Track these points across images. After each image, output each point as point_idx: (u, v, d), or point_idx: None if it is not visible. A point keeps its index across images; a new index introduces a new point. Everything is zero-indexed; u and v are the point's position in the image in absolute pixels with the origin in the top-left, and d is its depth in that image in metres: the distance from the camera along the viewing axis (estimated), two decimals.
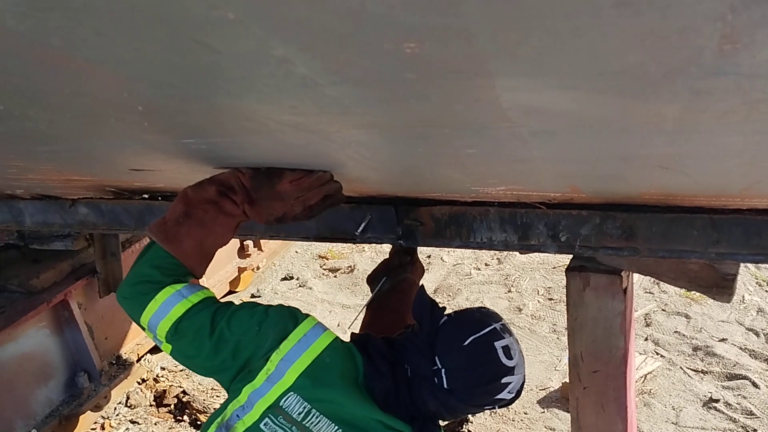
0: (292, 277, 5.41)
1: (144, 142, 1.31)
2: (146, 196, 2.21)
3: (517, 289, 4.80)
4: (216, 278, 4.74)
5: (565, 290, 1.77)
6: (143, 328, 1.42)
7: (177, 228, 1.39)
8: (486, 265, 5.30)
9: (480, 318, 1.53)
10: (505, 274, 5.07)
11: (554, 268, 4.94)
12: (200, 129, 1.14)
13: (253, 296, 5.17)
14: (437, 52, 0.66)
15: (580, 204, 1.61)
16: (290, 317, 1.46)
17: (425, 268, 5.30)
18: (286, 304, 1.52)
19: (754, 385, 3.36)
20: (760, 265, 4.55)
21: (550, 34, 0.61)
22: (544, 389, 3.63)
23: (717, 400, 3.28)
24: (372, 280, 2.11)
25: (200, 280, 1.51)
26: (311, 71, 0.72)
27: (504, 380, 1.45)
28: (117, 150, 1.44)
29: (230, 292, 5.01)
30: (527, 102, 0.83)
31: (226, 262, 4.89)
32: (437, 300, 4.87)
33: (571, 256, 1.80)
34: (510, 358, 1.46)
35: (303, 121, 0.98)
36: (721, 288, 1.59)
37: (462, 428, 3.35)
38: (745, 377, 3.41)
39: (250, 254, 5.08)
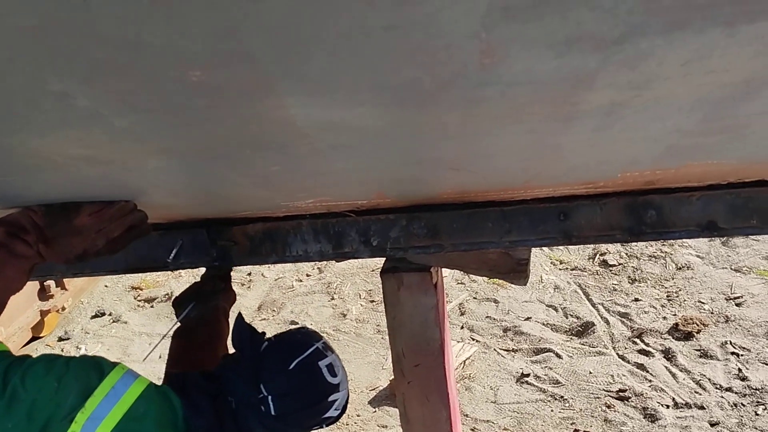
0: (103, 314, 5.08)
1: None
2: None
3: (339, 296, 4.89)
4: (15, 326, 4.33)
5: None
6: None
7: None
8: (307, 275, 5.34)
9: (301, 339, 1.51)
10: (327, 282, 5.15)
11: (372, 271, 5.10)
12: None
13: (61, 339, 4.79)
14: (223, 78, 0.68)
15: (387, 209, 1.69)
16: (94, 369, 1.30)
17: (248, 285, 5.23)
18: (91, 355, 1.37)
19: (557, 356, 3.71)
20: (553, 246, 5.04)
21: (330, 55, 0.64)
22: (374, 389, 3.74)
23: (528, 375, 3.58)
24: (178, 303, 1.92)
25: None
26: (94, 103, 0.70)
27: (330, 398, 1.46)
28: None
29: (34, 338, 4.60)
30: (321, 118, 0.87)
31: (26, 306, 4.48)
32: (262, 317, 4.83)
33: (384, 259, 1.88)
34: (334, 375, 1.47)
35: (94, 154, 0.94)
36: (517, 272, 1.75)
37: None
38: (549, 350, 3.76)
39: (52, 295, 4.69)
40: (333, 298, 4.87)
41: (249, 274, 5.34)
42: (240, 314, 1.58)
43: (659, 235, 1.64)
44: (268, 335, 1.56)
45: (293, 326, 1.60)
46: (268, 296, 5.06)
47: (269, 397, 1.42)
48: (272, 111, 0.80)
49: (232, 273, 2.09)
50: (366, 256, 1.75)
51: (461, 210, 1.65)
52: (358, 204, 1.63)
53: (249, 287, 5.23)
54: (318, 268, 5.38)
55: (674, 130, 1.06)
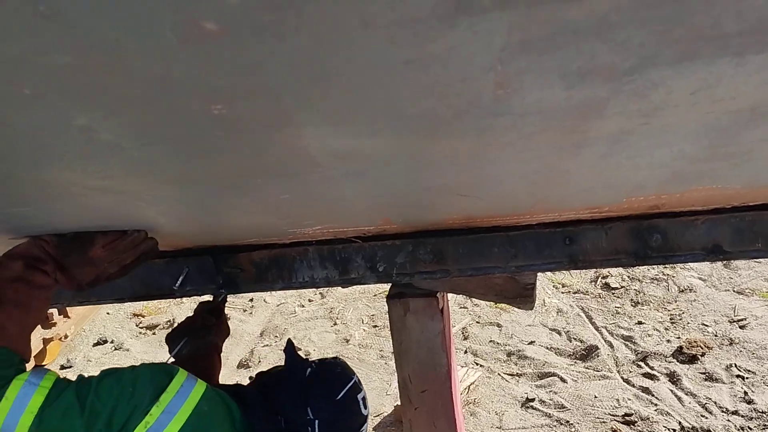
0: (105, 341, 5.06)
1: None
2: None
3: (342, 321, 4.88)
4: None
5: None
6: None
7: None
8: (309, 301, 5.33)
9: (342, 372, 1.62)
10: (329, 307, 5.13)
11: (375, 296, 5.09)
12: None
13: (62, 367, 4.76)
14: (244, 110, 0.69)
15: (393, 234, 1.70)
16: (164, 371, 1.39)
17: (250, 311, 5.22)
18: (155, 362, 1.45)
19: (562, 380, 3.69)
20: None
21: (348, 88, 0.66)
22: (378, 415, 3.71)
23: (533, 399, 3.55)
24: (171, 339, 1.97)
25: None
26: (116, 136, 0.71)
27: (362, 429, 1.57)
28: None
29: (36, 367, 4.58)
30: (335, 147, 0.88)
31: None
32: (265, 342, 4.82)
33: (389, 285, 1.88)
34: (366, 408, 1.58)
35: (110, 184, 0.96)
36: (524, 297, 1.75)
37: None
38: (553, 374, 3.74)
39: (55, 323, 4.68)
40: (335, 324, 4.86)
41: (251, 300, 5.33)
42: (290, 339, 1.68)
43: (665, 259, 1.65)
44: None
45: (329, 357, 1.69)
46: (271, 322, 5.04)
47: (316, 421, 1.51)
48: (288, 141, 0.81)
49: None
50: (372, 281, 1.75)
51: (467, 235, 1.66)
52: (364, 230, 1.65)
53: (251, 313, 5.21)
54: (320, 293, 5.37)
55: (680, 156, 1.07)
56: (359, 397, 1.57)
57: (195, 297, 2.03)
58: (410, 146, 0.91)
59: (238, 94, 0.62)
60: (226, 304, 2.07)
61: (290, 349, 1.62)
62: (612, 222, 1.63)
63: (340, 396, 1.54)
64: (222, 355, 2.09)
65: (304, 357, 1.64)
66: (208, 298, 2.00)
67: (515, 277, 1.76)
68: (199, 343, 1.94)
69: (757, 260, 4.90)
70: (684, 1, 0.54)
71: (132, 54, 0.50)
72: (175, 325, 2.05)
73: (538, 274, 1.85)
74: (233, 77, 0.58)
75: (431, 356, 1.81)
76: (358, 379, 1.61)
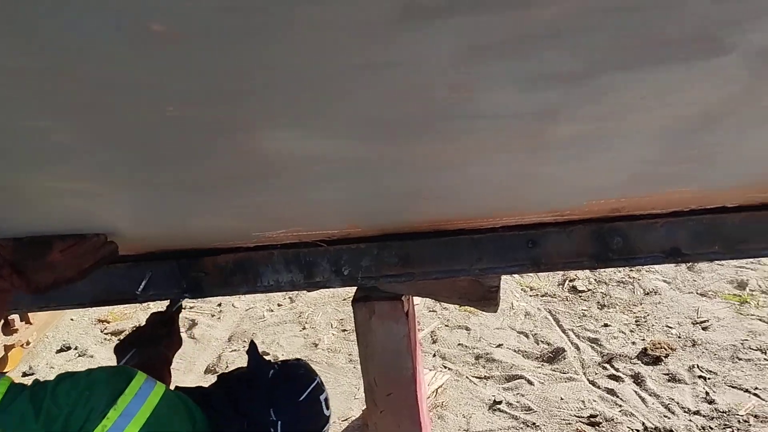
0: (69, 348, 4.96)
1: None
2: None
3: (311, 325, 4.85)
4: None
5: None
6: None
7: None
8: (279, 305, 5.30)
9: (305, 373, 1.66)
10: (299, 312, 5.11)
11: (344, 300, 5.07)
12: None
13: (25, 374, 4.67)
14: (198, 114, 0.69)
15: (358, 238, 1.70)
16: (121, 374, 1.37)
17: (218, 316, 5.18)
18: (111, 365, 1.43)
19: (529, 382, 3.71)
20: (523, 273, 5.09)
21: (307, 93, 0.66)
22: (346, 419, 3.70)
23: (500, 402, 3.57)
24: (119, 350, 1.91)
25: None
26: (70, 139, 0.70)
27: (324, 430, 1.61)
28: None
29: None
30: (297, 152, 0.88)
31: None
32: (233, 348, 4.78)
33: (355, 288, 1.88)
34: (328, 408, 1.63)
35: (67, 187, 0.94)
36: (488, 300, 1.77)
37: None
38: (521, 377, 3.76)
39: (16, 329, 4.57)
40: (305, 328, 4.84)
41: (219, 305, 5.28)
42: (252, 341, 1.70)
43: (625, 261, 1.68)
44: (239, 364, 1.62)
45: (292, 358, 1.71)
46: (239, 327, 5.00)
47: (279, 422, 1.54)
48: (247, 145, 0.81)
49: (179, 316, 2.05)
50: (337, 285, 1.75)
51: (432, 238, 1.67)
52: (329, 234, 1.64)
53: (219, 318, 5.16)
54: (289, 297, 5.34)
55: (638, 160, 1.09)
56: (321, 397, 1.60)
57: (162, 302, 2.00)
58: (373, 150, 0.91)
59: (192, 97, 0.62)
60: (180, 314, 2.03)
61: (253, 350, 1.63)
62: (574, 225, 1.65)
63: (302, 397, 1.56)
64: (189, 360, 2.07)
65: (267, 359, 1.65)
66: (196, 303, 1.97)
67: (479, 280, 1.78)
68: (148, 353, 1.88)
69: (720, 263, 4.99)
70: (629, 9, 0.55)
71: (82, 58, 0.50)
72: (124, 334, 2.01)
73: (505, 276, 1.87)
74: (193, 80, 0.58)
75: (396, 359, 1.82)
76: (321, 381, 1.64)
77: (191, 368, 4.27)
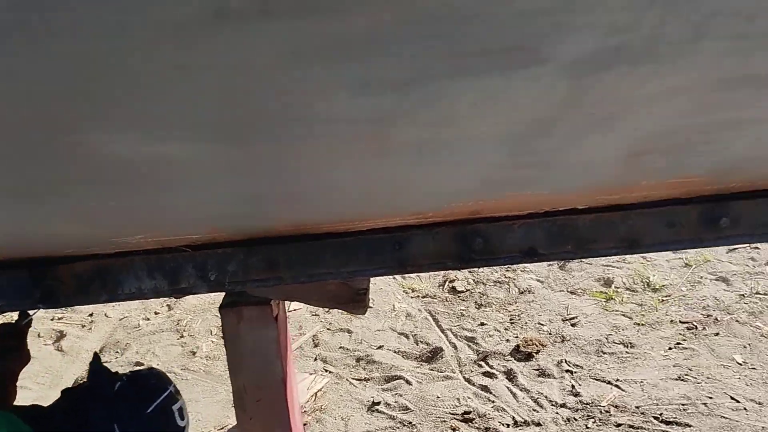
0: None
1: None
2: None
3: (189, 333, 4.72)
4: None
5: None
6: None
7: None
8: (156, 314, 5.12)
9: (156, 384, 1.58)
10: (176, 319, 4.96)
11: None
12: None
13: None
14: (23, 115, 0.65)
15: (224, 242, 1.67)
16: None
17: (89, 327, 4.93)
18: None
19: (407, 382, 3.79)
20: (405, 275, 5.18)
21: (132, 94, 0.64)
22: (222, 428, 3.64)
23: (378, 403, 3.62)
24: None
25: None
26: None
27: None
28: None
29: None
30: (146, 155, 0.85)
31: None
32: (104, 359, 4.56)
33: (223, 294, 1.85)
34: (183, 419, 1.56)
35: None
36: (356, 303, 1.78)
37: None
38: (400, 377, 3.84)
39: None
40: (182, 336, 4.70)
41: (90, 314, 5.03)
42: (96, 353, 1.62)
43: (486, 262, 1.74)
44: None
45: (141, 367, 1.63)
46: (112, 337, 4.79)
47: None
48: (87, 148, 0.78)
49: (29, 329, 1.91)
50: (204, 291, 1.71)
51: (299, 242, 1.67)
52: (193, 239, 1.60)
53: (90, 329, 4.92)
54: (167, 305, 5.17)
55: (486, 163, 1.14)
56: (175, 407, 1.54)
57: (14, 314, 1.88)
58: (217, 154, 0.90)
59: (19, 98, 0.59)
60: (29, 328, 1.90)
61: (95, 363, 1.56)
62: (438, 227, 1.70)
63: (150, 409, 1.50)
64: (56, 374, 1.96)
65: (114, 371, 1.59)
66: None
67: (348, 283, 1.79)
68: None
69: (588, 262, 5.30)
70: (443, 18, 0.57)
71: None
72: None
73: (387, 278, 1.89)
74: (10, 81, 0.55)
75: (266, 365, 1.80)
76: (175, 390, 1.58)
77: (58, 383, 4.05)
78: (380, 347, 4.23)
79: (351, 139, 0.85)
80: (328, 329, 4.55)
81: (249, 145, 0.84)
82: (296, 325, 4.63)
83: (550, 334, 4.28)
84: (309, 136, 0.81)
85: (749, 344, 4.06)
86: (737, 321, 4.35)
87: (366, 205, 1.40)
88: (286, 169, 1.00)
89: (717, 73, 0.82)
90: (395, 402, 3.61)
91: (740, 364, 3.88)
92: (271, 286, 1.71)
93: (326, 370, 4.01)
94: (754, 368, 3.81)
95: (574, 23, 0.60)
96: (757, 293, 4.64)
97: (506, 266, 5.56)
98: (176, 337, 4.71)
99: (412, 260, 1.71)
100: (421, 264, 1.73)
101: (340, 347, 4.28)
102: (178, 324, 4.87)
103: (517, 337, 4.25)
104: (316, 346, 4.34)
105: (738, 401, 3.44)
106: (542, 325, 4.44)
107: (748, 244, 5.42)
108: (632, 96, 0.88)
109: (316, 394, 3.66)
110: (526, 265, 5.51)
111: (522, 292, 4.98)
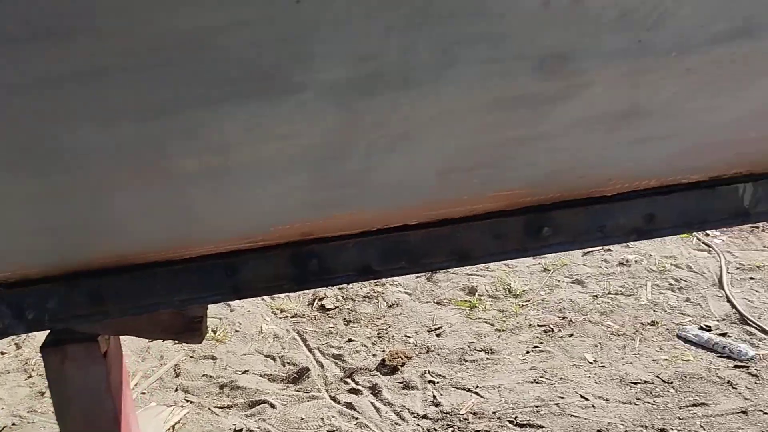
0: None
1: None
2: None
3: (38, 373, 4.40)
4: None
5: None
6: None
7: None
8: (2, 353, 4.74)
9: None
10: (25, 358, 4.61)
11: None
12: None
13: None
14: None
15: (43, 278, 1.57)
16: None
17: None
18: None
19: (272, 406, 3.72)
20: (274, 295, 5.11)
21: None
22: None
23: (240, 430, 3.53)
24: None
25: None
26: None
27: None
28: None
29: None
30: None
31: None
32: None
33: (47, 332, 1.74)
34: None
35: None
36: (192, 331, 1.73)
37: None
38: (264, 401, 3.75)
39: None
40: (31, 376, 4.38)
41: None
42: None
43: (323, 282, 1.74)
44: None
45: None
46: None
47: None
48: None
49: None
50: (22, 331, 1.60)
51: (125, 274, 1.59)
52: (4, 277, 1.49)
53: None
54: (15, 344, 4.80)
55: (292, 186, 1.13)
56: None
57: None
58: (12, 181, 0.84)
59: None
60: None
61: None
62: (273, 250, 1.68)
63: None
64: None
65: None
66: None
67: (182, 312, 1.73)
68: None
69: (454, 272, 5.44)
70: (186, 45, 0.55)
71: None
72: None
73: (255, 301, 1.84)
74: None
75: (95, 404, 1.70)
76: None
77: None
78: (245, 372, 4.13)
79: (126, 168, 0.82)
80: (191, 357, 4.39)
81: (40, 177, 0.79)
82: (157, 356, 4.44)
83: (416, 345, 4.35)
84: (81, 167, 0.77)
85: (600, 343, 4.31)
86: (590, 321, 4.61)
87: (184, 232, 1.36)
88: (74, 200, 0.95)
89: (486, 94, 0.86)
90: (258, 427, 3.52)
91: (591, 363, 4.10)
92: (97, 321, 1.63)
93: (187, 400, 3.86)
94: (603, 366, 4.04)
95: (315, 52, 0.61)
96: (609, 293, 4.93)
97: (375, 281, 5.62)
98: (24, 377, 4.38)
99: (246, 284, 1.68)
100: (257, 288, 1.71)
101: (204, 375, 4.14)
102: (26, 364, 4.53)
103: (383, 351, 4.29)
104: (177, 375, 4.17)
105: (587, 399, 3.64)
106: (408, 337, 4.51)
107: (600, 247, 5.79)
108: (418, 118, 0.90)
109: (173, 426, 3.52)
110: (395, 278, 5.60)
111: (390, 306, 5.04)
